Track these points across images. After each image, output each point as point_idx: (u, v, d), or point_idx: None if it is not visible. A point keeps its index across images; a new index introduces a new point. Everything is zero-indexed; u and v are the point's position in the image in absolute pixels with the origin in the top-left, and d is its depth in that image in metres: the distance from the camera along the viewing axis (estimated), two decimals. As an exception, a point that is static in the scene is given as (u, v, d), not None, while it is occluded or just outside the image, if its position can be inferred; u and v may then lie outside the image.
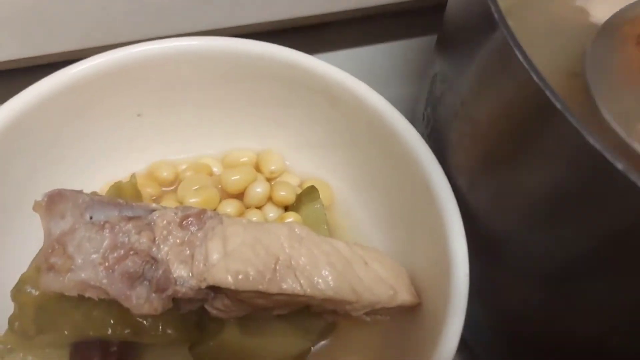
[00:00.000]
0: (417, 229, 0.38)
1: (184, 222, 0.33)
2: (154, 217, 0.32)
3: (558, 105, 0.25)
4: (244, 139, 0.46)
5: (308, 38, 0.51)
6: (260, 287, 0.31)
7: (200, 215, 0.33)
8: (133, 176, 0.41)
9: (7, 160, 0.38)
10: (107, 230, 0.31)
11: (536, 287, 0.33)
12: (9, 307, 0.35)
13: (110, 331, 0.32)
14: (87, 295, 0.31)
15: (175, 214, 0.33)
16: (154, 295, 0.31)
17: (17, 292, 0.34)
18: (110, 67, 0.40)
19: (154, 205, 0.34)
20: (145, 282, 0.31)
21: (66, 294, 0.31)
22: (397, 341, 0.37)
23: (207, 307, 0.33)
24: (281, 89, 0.43)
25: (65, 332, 0.33)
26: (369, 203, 0.43)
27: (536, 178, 0.29)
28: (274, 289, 0.31)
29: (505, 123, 0.30)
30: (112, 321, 0.33)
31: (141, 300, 0.31)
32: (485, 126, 0.31)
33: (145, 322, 0.33)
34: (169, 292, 0.31)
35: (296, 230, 0.34)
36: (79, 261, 0.30)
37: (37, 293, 0.33)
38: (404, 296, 0.35)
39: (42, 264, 0.31)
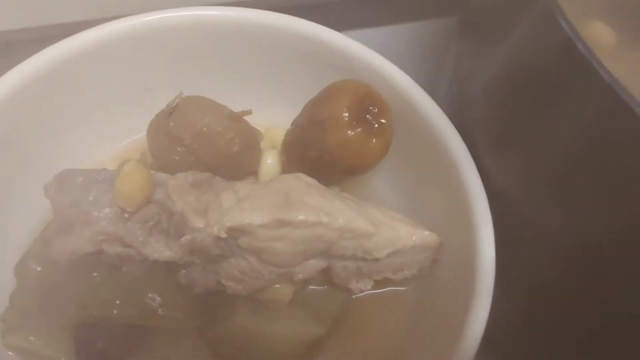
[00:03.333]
0: (440, 209, 0.36)
1: (195, 184, 0.32)
2: (166, 180, 0.32)
3: (605, 77, 0.23)
4: (254, 115, 0.44)
5: (322, 16, 0.49)
6: (279, 215, 0.30)
7: (210, 178, 0.34)
8: (143, 154, 0.39)
9: (12, 131, 0.36)
10: None
11: (562, 269, 0.31)
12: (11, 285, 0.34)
13: (116, 311, 0.31)
14: (104, 248, 0.30)
15: (186, 177, 0.33)
16: (172, 241, 0.30)
17: (21, 268, 0.32)
18: (117, 36, 0.38)
19: (159, 175, 0.33)
20: (162, 230, 0.30)
21: (80, 252, 0.30)
22: (417, 329, 0.36)
23: (222, 280, 0.32)
24: (298, 64, 0.41)
25: (70, 311, 0.31)
26: (390, 182, 0.41)
27: (570, 152, 0.27)
28: (290, 217, 0.31)
29: (545, 94, 0.28)
30: (118, 301, 0.31)
31: (160, 246, 0.30)
32: (523, 99, 0.29)
33: (152, 303, 0.31)
34: (187, 238, 0.30)
35: (304, 178, 0.34)
36: (95, 214, 0.30)
37: (40, 269, 0.32)
38: (424, 232, 0.34)
39: (50, 232, 0.30)
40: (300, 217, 0.31)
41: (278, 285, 0.34)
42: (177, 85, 0.39)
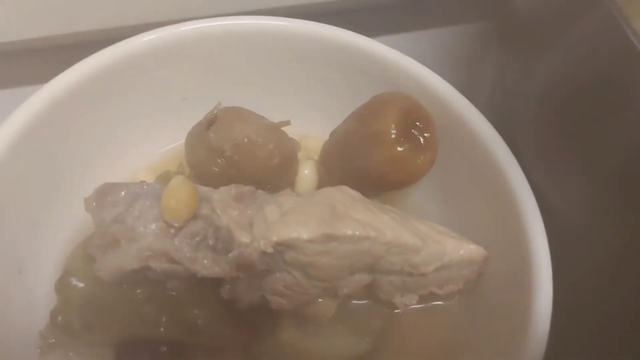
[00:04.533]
0: (486, 222, 0.36)
1: (238, 198, 0.32)
2: (210, 194, 0.31)
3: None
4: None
5: (350, 22, 0.48)
6: (326, 230, 0.30)
7: (252, 192, 0.33)
8: (180, 165, 0.38)
9: (50, 141, 0.36)
10: None
11: (621, 285, 0.30)
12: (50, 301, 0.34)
13: (162, 329, 0.30)
14: (150, 264, 0.29)
15: (229, 191, 0.32)
16: (219, 257, 0.30)
17: (62, 285, 0.32)
18: (155, 45, 0.38)
19: (201, 189, 0.32)
20: (209, 245, 0.30)
21: (126, 268, 0.29)
22: (463, 346, 0.35)
23: (267, 295, 0.31)
24: (334, 73, 0.41)
25: (114, 328, 0.30)
26: (431, 194, 0.40)
27: (633, 162, 0.26)
28: (337, 231, 0.30)
29: (607, 102, 0.27)
30: (164, 319, 0.30)
31: (208, 262, 0.30)
32: (582, 108, 0.29)
33: (198, 320, 0.31)
34: (235, 253, 0.29)
35: (347, 191, 0.33)
36: (141, 229, 0.29)
37: (83, 285, 0.31)
38: (470, 246, 0.34)
39: (94, 249, 0.29)
40: (348, 232, 0.31)
41: (321, 300, 0.34)
42: (213, 95, 0.39)
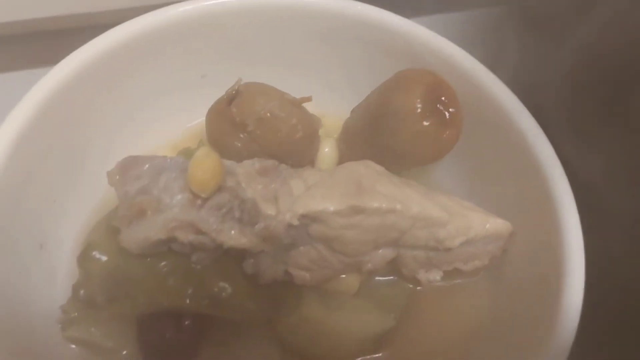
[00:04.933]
0: (512, 198, 0.35)
1: (262, 171, 0.32)
2: (234, 167, 0.31)
3: None
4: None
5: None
6: (352, 202, 0.30)
7: (276, 166, 0.33)
8: (201, 142, 0.38)
9: (70, 119, 0.35)
10: None
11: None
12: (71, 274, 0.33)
13: (188, 300, 0.30)
14: (177, 235, 0.29)
15: (253, 164, 0.32)
16: (246, 229, 0.29)
17: (85, 258, 0.31)
18: (176, 20, 0.37)
19: (225, 163, 0.32)
20: (235, 217, 0.30)
21: (152, 239, 0.29)
22: (489, 324, 0.34)
23: (291, 270, 0.31)
24: (355, 50, 0.40)
25: (139, 300, 0.30)
26: (453, 169, 0.40)
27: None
28: (364, 204, 0.30)
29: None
30: (190, 290, 0.30)
31: (235, 233, 0.29)
32: (612, 81, 0.28)
33: (223, 292, 0.30)
34: (261, 225, 0.29)
35: (372, 166, 0.33)
36: (167, 200, 0.29)
37: (106, 259, 0.31)
38: (497, 220, 0.33)
39: (120, 220, 0.29)
40: (375, 205, 0.30)
41: (344, 276, 0.33)
42: (233, 72, 0.38)
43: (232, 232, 0.29)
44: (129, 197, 0.30)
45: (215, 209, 0.29)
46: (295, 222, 0.29)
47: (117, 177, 0.31)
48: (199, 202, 0.29)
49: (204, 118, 0.39)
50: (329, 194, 0.30)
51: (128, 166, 0.31)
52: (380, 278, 0.35)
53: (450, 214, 0.32)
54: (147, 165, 0.31)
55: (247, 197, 0.30)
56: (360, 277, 0.34)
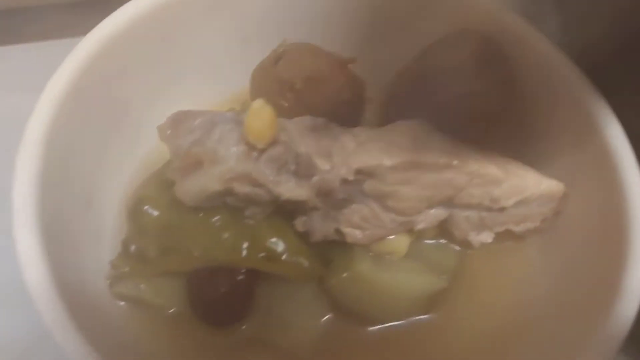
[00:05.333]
0: (568, 159, 0.34)
1: (313, 128, 0.31)
2: (285, 123, 0.31)
3: None
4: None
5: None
6: (409, 157, 0.29)
7: (326, 123, 0.32)
8: (245, 103, 0.38)
9: (110, 80, 0.35)
10: None
11: None
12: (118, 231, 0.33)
13: (244, 253, 0.29)
14: (233, 186, 0.29)
15: (303, 121, 0.32)
16: (302, 181, 0.29)
17: (135, 213, 0.31)
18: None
19: None
20: (290, 170, 0.29)
21: (209, 190, 0.29)
22: (540, 289, 0.34)
23: (342, 228, 0.31)
24: (400, 11, 0.39)
25: (193, 254, 0.30)
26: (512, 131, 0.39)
27: None
28: (421, 158, 0.30)
29: None
30: (245, 244, 0.30)
31: (290, 185, 0.29)
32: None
33: (278, 248, 0.30)
34: (317, 178, 0.29)
35: (424, 124, 0.33)
36: (223, 152, 0.29)
37: (158, 213, 0.31)
38: (551, 180, 0.33)
39: (174, 172, 0.29)
40: (431, 159, 0.30)
41: (394, 237, 0.33)
42: (273, 36, 0.38)
43: (289, 184, 0.29)
44: (183, 150, 0.29)
45: (271, 161, 0.29)
46: (351, 177, 0.29)
47: (169, 131, 0.30)
48: (255, 154, 0.29)
49: (246, 84, 0.39)
50: (385, 148, 0.30)
51: (179, 120, 0.31)
52: (429, 241, 0.35)
53: (506, 173, 0.32)
54: (199, 119, 0.30)
55: (301, 151, 0.29)
56: (409, 239, 0.33)
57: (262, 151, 0.29)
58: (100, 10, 0.39)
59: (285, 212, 0.31)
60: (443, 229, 0.34)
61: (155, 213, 0.31)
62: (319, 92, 0.34)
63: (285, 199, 0.29)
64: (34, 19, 0.50)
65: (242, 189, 0.29)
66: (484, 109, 0.33)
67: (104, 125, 0.35)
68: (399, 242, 0.33)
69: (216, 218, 0.30)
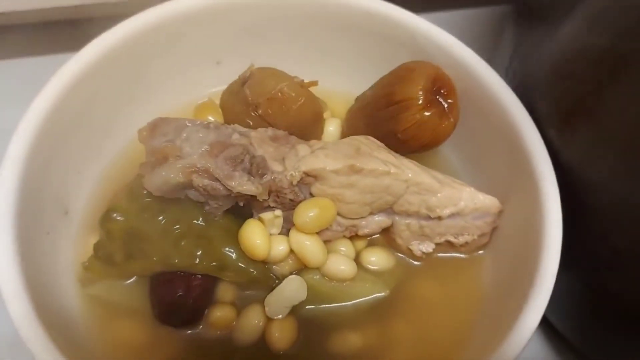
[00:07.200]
0: (503, 179, 0.38)
1: (274, 138, 0.35)
2: (249, 132, 0.35)
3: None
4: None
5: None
6: (350, 162, 0.33)
7: (287, 135, 0.36)
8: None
9: (93, 98, 0.38)
10: (212, 128, 0.34)
11: (631, 240, 0.32)
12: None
13: (197, 261, 0.33)
14: (193, 179, 0.32)
15: (266, 131, 0.36)
16: (254, 179, 0.33)
17: (105, 220, 0.34)
18: (190, 9, 0.40)
19: (241, 128, 0.36)
20: (246, 167, 0.33)
21: (172, 181, 0.32)
22: (480, 298, 0.37)
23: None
24: (361, 39, 0.43)
25: (154, 259, 0.33)
26: (454, 154, 0.42)
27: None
28: (361, 164, 0.33)
29: (617, 65, 0.29)
30: (199, 252, 0.33)
31: (243, 179, 0.33)
32: (593, 70, 0.30)
33: (230, 256, 0.33)
34: (268, 177, 0.33)
35: (373, 140, 0.37)
36: (187, 149, 0.33)
37: (124, 220, 0.34)
38: (486, 197, 0.36)
39: (144, 167, 0.33)
40: (371, 166, 0.34)
41: (343, 267, 0.35)
42: (245, 58, 0.41)
43: (242, 179, 0.33)
44: (157, 146, 0.33)
45: (229, 159, 0.33)
46: (298, 178, 0.33)
47: (145, 133, 0.34)
48: (215, 152, 0.33)
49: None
50: (331, 154, 0.34)
51: (156, 125, 0.34)
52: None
53: (441, 184, 0.35)
54: (173, 124, 0.34)
55: (258, 154, 0.34)
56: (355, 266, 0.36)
57: (222, 151, 0.34)
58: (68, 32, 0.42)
59: (247, 213, 0.35)
60: (389, 239, 0.37)
61: (122, 220, 0.34)
62: (281, 111, 0.37)
63: (236, 192, 0.33)
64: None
65: (201, 181, 0.32)
66: (430, 136, 0.37)
67: (85, 142, 0.38)
68: (347, 268, 0.36)
69: (176, 227, 0.33)
